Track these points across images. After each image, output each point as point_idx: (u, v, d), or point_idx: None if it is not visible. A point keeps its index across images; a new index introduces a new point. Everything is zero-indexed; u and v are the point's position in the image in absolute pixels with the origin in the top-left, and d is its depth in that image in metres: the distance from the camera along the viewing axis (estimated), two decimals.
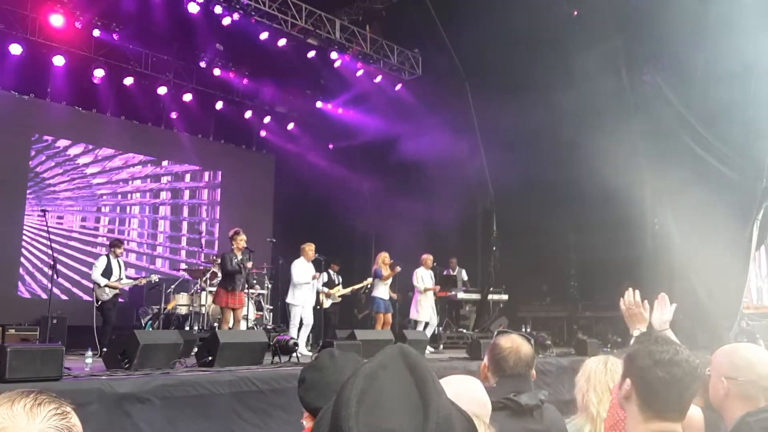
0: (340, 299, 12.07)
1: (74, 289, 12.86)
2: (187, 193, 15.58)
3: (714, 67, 10.29)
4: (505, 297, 13.06)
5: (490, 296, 12.99)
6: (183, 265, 14.10)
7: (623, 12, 11.02)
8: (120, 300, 10.16)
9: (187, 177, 15.61)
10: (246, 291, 9.48)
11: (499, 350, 2.71)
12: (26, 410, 1.17)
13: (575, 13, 11.65)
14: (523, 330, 11.42)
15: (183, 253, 15.27)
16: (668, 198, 10.92)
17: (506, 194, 13.19)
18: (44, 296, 11.31)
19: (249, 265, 9.28)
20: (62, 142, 13.45)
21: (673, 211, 10.83)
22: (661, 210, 11.06)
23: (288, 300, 9.90)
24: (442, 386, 0.97)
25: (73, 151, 13.63)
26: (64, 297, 12.46)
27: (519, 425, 2.61)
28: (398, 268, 10.79)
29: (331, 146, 16.66)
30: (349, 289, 12.03)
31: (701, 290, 10.41)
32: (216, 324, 10.20)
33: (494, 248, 13.74)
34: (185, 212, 15.51)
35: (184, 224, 15.43)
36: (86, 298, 11.79)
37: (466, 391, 2.26)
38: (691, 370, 1.82)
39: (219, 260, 9.81)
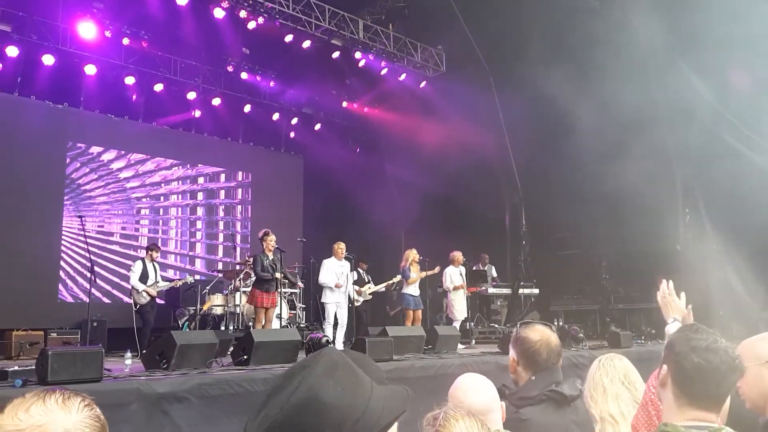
0: (371, 297, 12.16)
1: (114, 292, 13.15)
2: (219, 195, 15.80)
3: (741, 54, 10.12)
4: (536, 291, 13.01)
5: (520, 290, 12.95)
6: (219, 265, 14.33)
7: (647, 1, 10.90)
8: (158, 301, 10.39)
9: (219, 179, 15.83)
10: (279, 291, 9.62)
11: (529, 344, 2.71)
12: (60, 404, 1.24)
13: (598, 4, 11.54)
14: (555, 323, 11.39)
15: (218, 254, 15.49)
16: (698, 188, 10.78)
17: (534, 188, 13.14)
18: (85, 300, 11.60)
19: (278, 265, 9.40)
20: (96, 149, 13.74)
21: (704, 201, 10.69)
22: (692, 200, 10.93)
23: (323, 299, 10.02)
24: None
25: (107, 157, 13.92)
26: (104, 300, 12.76)
27: (562, 417, 2.62)
28: (437, 269, 10.88)
29: (357, 149, 16.76)
30: (380, 286, 12.12)
31: (735, 281, 10.27)
32: (251, 323, 10.38)
33: (524, 242, 13.71)
34: (218, 214, 15.73)
35: (217, 226, 15.66)
36: (125, 300, 12.06)
37: (474, 390, 2.31)
38: (728, 360, 1.79)
39: (251, 261, 9.97)
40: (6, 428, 1.21)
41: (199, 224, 15.39)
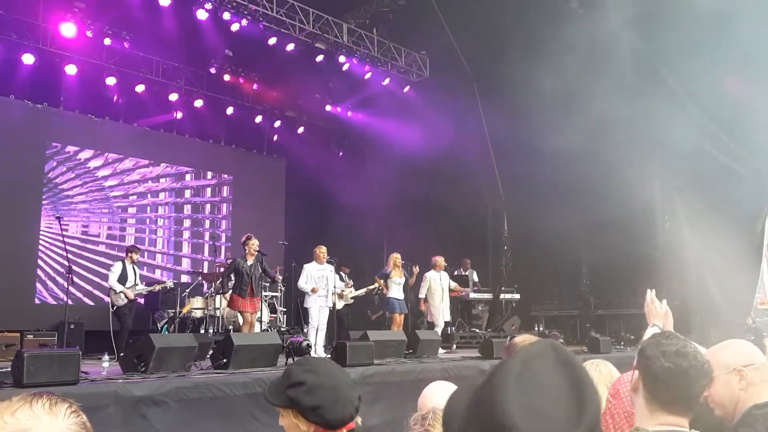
0: (352, 301, 12.14)
1: (91, 295, 13.01)
2: (199, 198, 15.71)
3: (723, 63, 10.24)
4: (517, 296, 13.07)
5: (502, 296, 13.01)
6: (200, 268, 14.23)
7: (631, 10, 11.00)
8: (137, 303, 10.28)
9: (200, 182, 15.74)
10: (261, 296, 9.58)
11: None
12: (47, 409, 1.21)
13: (580, 10, 11.63)
14: (536, 329, 11.46)
15: (197, 257, 15.39)
16: (679, 195, 10.90)
17: (516, 194, 13.21)
18: (62, 302, 11.47)
19: (259, 271, 9.36)
20: (75, 150, 13.60)
21: (684, 208, 10.81)
22: (672, 207, 11.04)
23: (305, 304, 9.97)
24: (594, 384, 0.99)
25: (87, 157, 13.79)
26: (82, 302, 12.62)
27: None
28: (416, 269, 10.88)
29: (341, 153, 16.75)
30: (360, 291, 12.12)
31: (714, 287, 10.38)
32: (230, 326, 10.32)
33: (505, 248, 13.77)
34: (198, 217, 15.63)
35: (197, 228, 15.56)
36: (104, 302, 11.93)
37: (443, 398, 2.32)
38: (697, 364, 1.82)
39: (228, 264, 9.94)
40: None
41: (179, 226, 15.28)
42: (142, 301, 11.07)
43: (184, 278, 13.91)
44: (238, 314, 9.79)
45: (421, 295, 10.93)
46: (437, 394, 2.37)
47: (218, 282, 10.69)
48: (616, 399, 2.54)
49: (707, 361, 1.87)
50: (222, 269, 11.40)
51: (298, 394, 2.15)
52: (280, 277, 9.76)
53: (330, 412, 2.13)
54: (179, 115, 14.58)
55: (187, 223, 15.40)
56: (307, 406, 2.13)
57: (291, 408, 2.15)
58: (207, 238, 15.25)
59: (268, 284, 10.57)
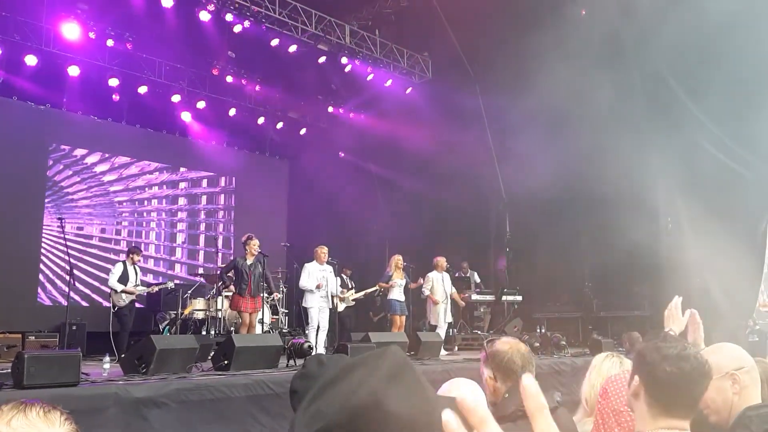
0: (353, 303, 12.14)
1: (93, 296, 13.02)
2: (203, 199, 15.72)
3: (727, 66, 10.22)
4: (519, 298, 13.03)
5: (504, 297, 12.97)
6: (200, 270, 14.23)
7: (634, 10, 10.98)
8: (138, 305, 10.29)
9: (203, 183, 15.75)
10: (262, 295, 9.57)
11: (501, 355, 2.72)
12: (42, 417, 1.21)
13: (583, 12, 11.61)
14: (538, 331, 11.42)
15: (199, 258, 15.40)
16: (681, 197, 10.86)
17: (519, 196, 13.17)
18: (64, 303, 11.47)
19: (259, 270, 9.35)
20: (79, 151, 13.63)
21: (687, 210, 10.77)
22: (675, 209, 11.01)
23: (304, 304, 9.98)
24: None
25: (90, 159, 13.81)
26: (83, 304, 12.63)
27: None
28: (421, 281, 10.91)
29: (342, 154, 16.74)
30: (362, 293, 12.12)
31: (716, 289, 10.34)
32: (232, 328, 10.31)
33: (507, 250, 13.73)
34: (201, 218, 15.64)
35: (200, 230, 15.57)
36: (105, 304, 11.93)
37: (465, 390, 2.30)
38: (699, 366, 1.82)
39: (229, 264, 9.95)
40: None
41: (181, 228, 15.29)
42: (143, 305, 11.06)
43: (185, 279, 13.91)
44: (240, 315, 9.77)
45: (427, 292, 10.93)
46: (460, 387, 2.35)
47: (219, 283, 10.69)
48: (604, 399, 2.55)
49: (707, 361, 1.86)
50: (217, 272, 11.43)
51: (295, 404, 2.15)
52: (279, 296, 9.70)
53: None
54: (182, 116, 14.59)
55: (188, 225, 15.40)
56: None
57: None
58: (202, 243, 15.25)
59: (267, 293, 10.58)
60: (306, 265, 9.95)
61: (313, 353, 7.90)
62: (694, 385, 1.82)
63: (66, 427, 1.22)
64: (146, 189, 14.68)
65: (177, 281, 12.16)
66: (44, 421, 1.20)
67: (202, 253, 15.46)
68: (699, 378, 1.82)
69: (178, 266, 15.02)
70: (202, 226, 15.64)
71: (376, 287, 11.51)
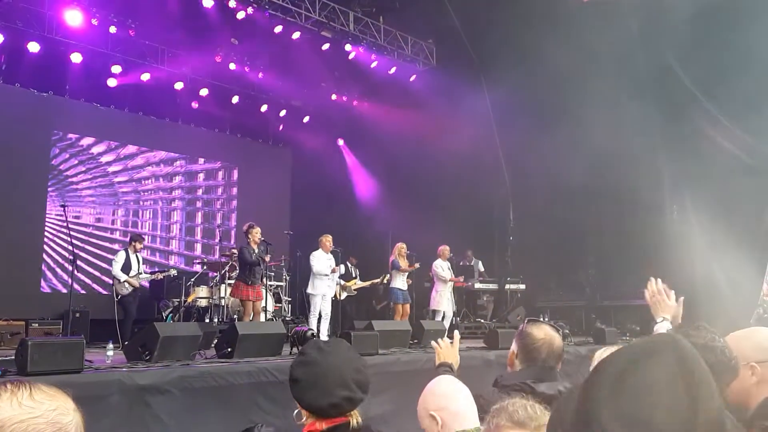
0: (355, 292, 12.16)
1: (96, 284, 13.03)
2: (204, 187, 15.70)
3: (734, 54, 10.13)
4: (523, 286, 13.02)
5: (507, 286, 12.97)
6: (203, 258, 14.23)
7: (639, 1, 10.89)
8: (141, 292, 10.29)
9: (205, 171, 15.72)
10: (264, 283, 9.59)
11: (531, 340, 2.67)
12: (31, 398, 1.12)
13: (585, 0, 11.50)
14: (541, 319, 11.42)
15: (201, 246, 15.40)
16: (687, 185, 10.81)
17: (522, 184, 13.14)
18: (66, 291, 11.48)
19: (267, 258, 9.39)
20: (82, 139, 13.60)
21: (692, 198, 10.72)
22: (680, 197, 10.96)
23: (308, 290, 10.02)
24: (715, 389, 0.89)
25: (92, 146, 13.78)
26: (87, 291, 12.64)
27: None
28: (417, 265, 10.87)
29: (342, 142, 16.68)
30: (366, 283, 12.14)
31: (721, 278, 10.30)
32: (235, 316, 10.32)
33: (511, 238, 13.71)
34: (203, 206, 15.63)
35: (203, 218, 15.56)
36: (108, 292, 11.95)
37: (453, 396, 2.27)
38: (724, 359, 1.79)
39: (237, 253, 9.92)
40: (15, 419, 1.08)
41: (183, 215, 15.28)
42: (147, 284, 11.02)
43: (187, 268, 13.91)
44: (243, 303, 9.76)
45: (445, 275, 10.97)
46: (442, 393, 2.31)
47: (225, 270, 10.66)
48: None
49: (735, 357, 1.80)
50: (223, 258, 11.41)
51: (295, 392, 2.13)
52: (268, 257, 9.65)
53: (306, 394, 2.08)
54: (184, 104, 14.54)
55: (189, 212, 15.39)
56: (310, 405, 2.10)
57: (303, 408, 2.14)
58: (208, 229, 15.25)
59: (273, 273, 10.57)
60: (314, 253, 10.01)
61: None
62: (715, 378, 1.77)
63: (50, 405, 1.14)
64: (148, 176, 14.66)
65: (180, 267, 12.16)
66: (33, 403, 1.11)
67: (204, 240, 15.45)
68: (722, 372, 1.77)
69: (179, 255, 15.01)
70: (204, 214, 15.62)
71: (382, 278, 11.54)
